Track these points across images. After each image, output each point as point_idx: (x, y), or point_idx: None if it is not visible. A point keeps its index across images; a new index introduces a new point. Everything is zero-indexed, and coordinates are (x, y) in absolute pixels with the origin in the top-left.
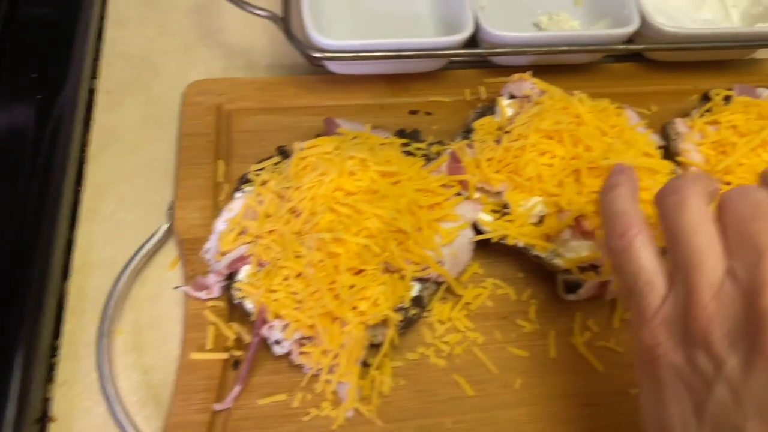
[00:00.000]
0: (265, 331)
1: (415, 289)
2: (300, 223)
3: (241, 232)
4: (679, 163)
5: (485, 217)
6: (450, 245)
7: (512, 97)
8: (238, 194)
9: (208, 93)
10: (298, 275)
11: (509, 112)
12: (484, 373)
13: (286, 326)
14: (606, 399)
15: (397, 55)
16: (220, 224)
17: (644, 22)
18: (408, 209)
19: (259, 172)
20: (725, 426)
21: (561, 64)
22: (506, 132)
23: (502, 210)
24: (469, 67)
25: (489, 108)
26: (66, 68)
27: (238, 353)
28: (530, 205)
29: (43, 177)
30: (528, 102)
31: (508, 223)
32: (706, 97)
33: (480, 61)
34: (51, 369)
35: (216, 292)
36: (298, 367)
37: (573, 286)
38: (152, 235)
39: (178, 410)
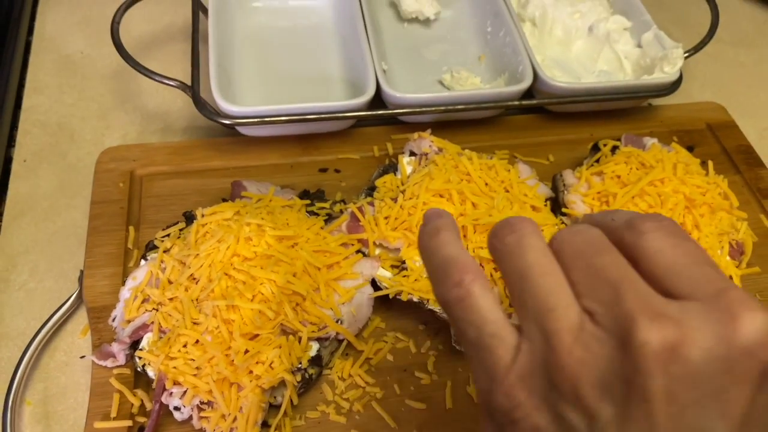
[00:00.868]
0: (165, 398)
1: (314, 348)
2: (198, 290)
3: (145, 300)
4: (565, 215)
5: (384, 273)
6: (349, 303)
7: (413, 154)
8: (143, 261)
9: (120, 159)
10: (196, 342)
11: (409, 169)
12: (383, 427)
13: (185, 393)
14: None
15: (302, 118)
16: (125, 292)
17: (538, 78)
18: (304, 271)
19: (164, 239)
20: None
21: (463, 120)
22: (402, 191)
23: (401, 265)
24: (377, 124)
25: (392, 166)
26: None
27: (142, 420)
28: None
29: None
30: (426, 159)
31: (404, 279)
32: (596, 147)
33: (388, 119)
34: None
35: (121, 359)
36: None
37: None
38: (62, 305)
39: None
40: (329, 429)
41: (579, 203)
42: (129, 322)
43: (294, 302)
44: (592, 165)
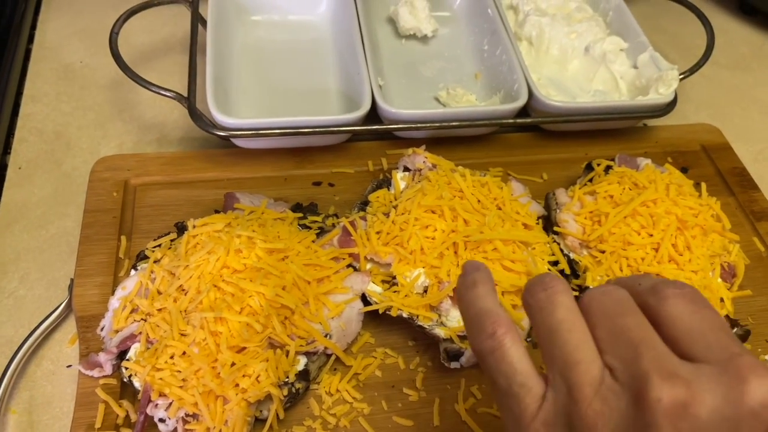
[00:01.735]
0: (150, 409)
1: (302, 363)
2: (187, 301)
3: (134, 310)
4: (557, 233)
5: (375, 288)
6: (338, 317)
7: (407, 169)
8: (133, 271)
9: (115, 169)
10: (183, 353)
11: (402, 185)
12: None
13: (170, 405)
14: None
15: (297, 132)
16: (115, 302)
17: (533, 97)
18: (294, 285)
19: (155, 249)
20: None
21: (458, 136)
22: (394, 206)
23: (391, 281)
24: (372, 139)
25: (386, 181)
26: None
27: (126, 431)
28: (414, 276)
29: None
30: (420, 175)
31: (394, 294)
32: (589, 167)
33: (382, 134)
34: None
35: (108, 369)
36: None
37: (455, 355)
38: (50, 313)
39: None
40: None
41: (571, 222)
42: (117, 331)
43: (282, 315)
44: (585, 184)
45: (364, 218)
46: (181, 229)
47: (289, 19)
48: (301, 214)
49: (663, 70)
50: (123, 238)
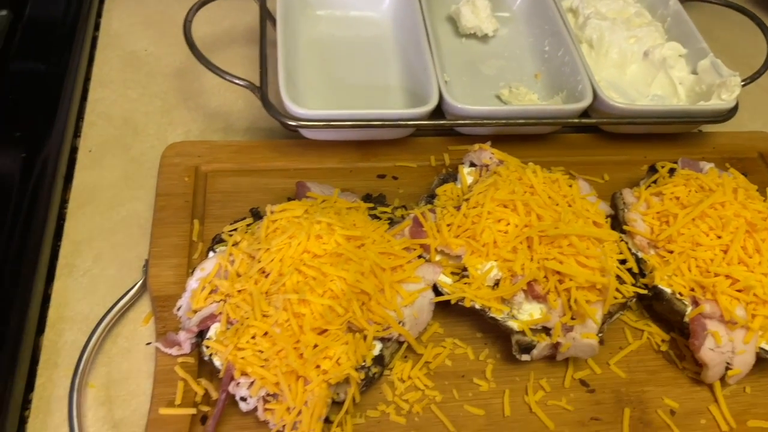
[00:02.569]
0: (231, 388)
1: (377, 348)
2: (268, 283)
3: (212, 291)
4: (626, 232)
5: (445, 279)
6: (411, 306)
7: (473, 165)
8: (211, 254)
9: (185, 155)
10: (265, 334)
11: (469, 179)
12: (442, 431)
13: (252, 384)
14: None
15: (365, 124)
16: (193, 283)
17: (597, 98)
18: (371, 271)
19: (232, 233)
20: None
21: (520, 135)
22: (465, 199)
23: (461, 273)
24: (435, 135)
25: (451, 175)
26: (50, 127)
27: (205, 409)
28: (486, 269)
29: (23, 233)
30: (487, 170)
31: (466, 286)
32: (653, 169)
33: (445, 130)
34: (23, 422)
35: (186, 348)
36: (264, 424)
37: (527, 347)
38: (126, 292)
39: None
40: (389, 429)
41: (639, 222)
42: (195, 311)
43: (361, 301)
44: (650, 185)
45: (432, 211)
46: (256, 214)
47: (352, 14)
48: (371, 205)
49: (725, 76)
50: (196, 222)
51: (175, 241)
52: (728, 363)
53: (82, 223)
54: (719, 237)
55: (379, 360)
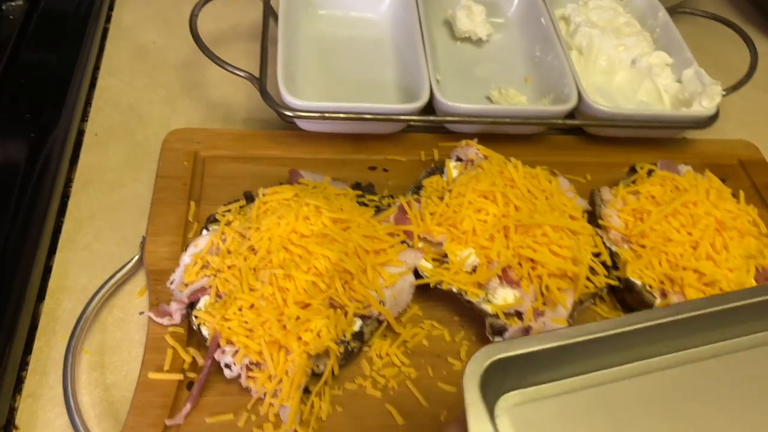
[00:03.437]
0: (217, 355)
1: (357, 324)
2: (256, 259)
3: (204, 266)
4: (601, 227)
5: (426, 264)
6: (392, 287)
7: (459, 160)
8: (204, 232)
9: (186, 140)
10: (251, 306)
11: (455, 173)
12: (415, 405)
13: (236, 352)
14: None
15: (358, 117)
16: (186, 258)
17: (582, 101)
18: (355, 253)
19: (225, 213)
20: None
21: (507, 134)
22: (449, 190)
23: (441, 259)
24: (426, 131)
25: (438, 168)
26: (59, 111)
27: (192, 375)
28: (465, 255)
29: (29, 208)
30: (472, 165)
31: (445, 271)
32: (633, 170)
33: (435, 126)
34: (20, 381)
35: (177, 319)
36: (246, 390)
37: (500, 330)
38: (123, 266)
39: (132, 423)
40: (365, 401)
41: (614, 217)
42: (187, 285)
43: (343, 279)
44: (629, 185)
45: (418, 200)
46: (249, 197)
47: (351, 15)
48: (359, 192)
49: (707, 85)
50: (192, 204)
51: (171, 221)
52: None
53: (85, 201)
54: (690, 234)
55: (358, 336)
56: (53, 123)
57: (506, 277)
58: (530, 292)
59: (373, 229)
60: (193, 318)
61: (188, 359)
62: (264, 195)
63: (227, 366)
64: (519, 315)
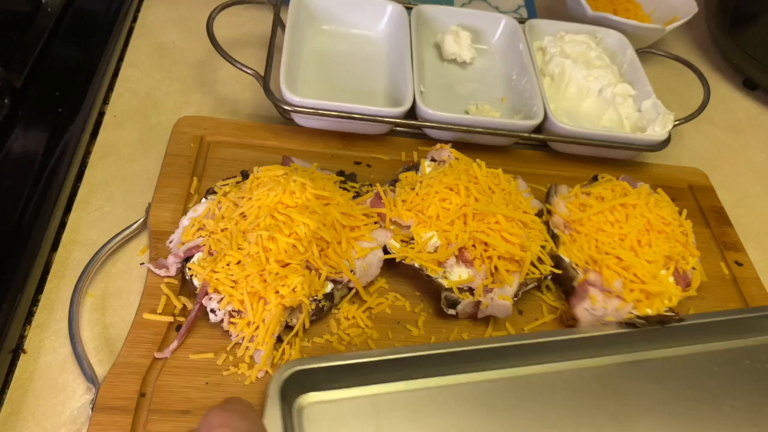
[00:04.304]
0: (205, 301)
1: (329, 287)
2: (246, 224)
3: (200, 228)
4: (549, 211)
5: (395, 243)
6: (363, 259)
7: (433, 160)
8: (203, 201)
9: (194, 126)
10: (238, 262)
11: (428, 170)
12: None
13: (221, 299)
14: None
15: (348, 116)
16: (185, 221)
17: (547, 119)
18: (332, 225)
19: (222, 186)
20: None
21: (480, 144)
22: (420, 182)
23: (408, 241)
24: (408, 136)
25: (415, 166)
26: (84, 93)
27: (181, 319)
28: (428, 236)
29: (51, 172)
30: (443, 165)
31: (410, 249)
32: (595, 178)
33: (416, 132)
34: (30, 315)
35: (173, 271)
36: (226, 334)
37: (453, 303)
38: (129, 225)
39: (125, 353)
40: (330, 353)
41: (561, 205)
42: (184, 243)
43: (320, 247)
44: (584, 186)
45: (393, 190)
46: (245, 174)
47: (352, 32)
48: (343, 179)
49: (661, 113)
50: (195, 179)
51: (175, 191)
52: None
53: (100, 171)
54: (621, 228)
55: (329, 297)
56: (78, 103)
57: (462, 257)
58: (482, 271)
59: (350, 208)
60: (187, 270)
61: (179, 306)
62: (258, 172)
63: (212, 311)
64: (471, 291)
